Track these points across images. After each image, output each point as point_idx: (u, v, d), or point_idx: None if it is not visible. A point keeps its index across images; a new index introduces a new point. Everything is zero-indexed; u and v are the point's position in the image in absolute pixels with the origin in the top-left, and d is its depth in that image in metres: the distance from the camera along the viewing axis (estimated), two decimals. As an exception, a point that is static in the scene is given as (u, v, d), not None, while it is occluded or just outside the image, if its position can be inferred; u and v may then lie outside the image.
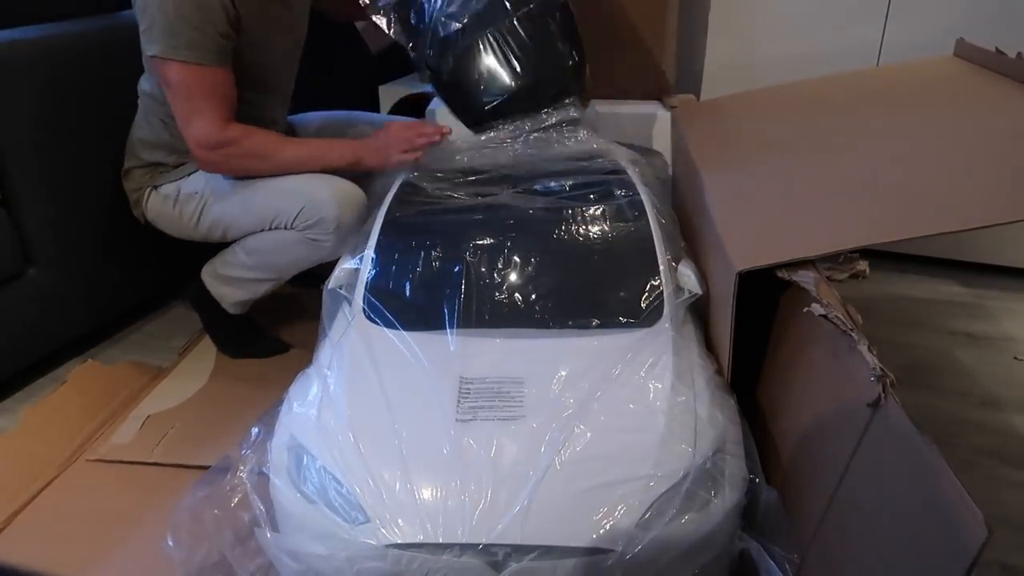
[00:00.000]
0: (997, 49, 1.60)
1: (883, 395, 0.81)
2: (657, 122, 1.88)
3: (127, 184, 1.68)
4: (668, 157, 1.87)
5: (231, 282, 1.69)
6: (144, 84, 1.61)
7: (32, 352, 1.68)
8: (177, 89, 1.45)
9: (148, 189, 1.65)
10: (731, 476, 1.04)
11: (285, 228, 1.56)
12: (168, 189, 1.63)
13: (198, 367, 1.74)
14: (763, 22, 2.11)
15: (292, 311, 1.93)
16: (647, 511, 0.96)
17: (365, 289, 1.29)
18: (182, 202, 1.62)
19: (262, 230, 1.59)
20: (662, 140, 1.87)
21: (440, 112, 1.92)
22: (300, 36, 1.71)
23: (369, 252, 1.35)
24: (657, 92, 1.98)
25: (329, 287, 1.33)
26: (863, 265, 2.13)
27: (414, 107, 2.21)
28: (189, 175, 1.62)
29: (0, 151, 1.56)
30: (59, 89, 1.63)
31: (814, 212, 1.20)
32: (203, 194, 1.61)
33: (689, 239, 1.48)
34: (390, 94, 2.33)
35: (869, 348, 0.84)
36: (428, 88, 2.32)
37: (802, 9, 2.07)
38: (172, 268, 1.88)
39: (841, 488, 0.93)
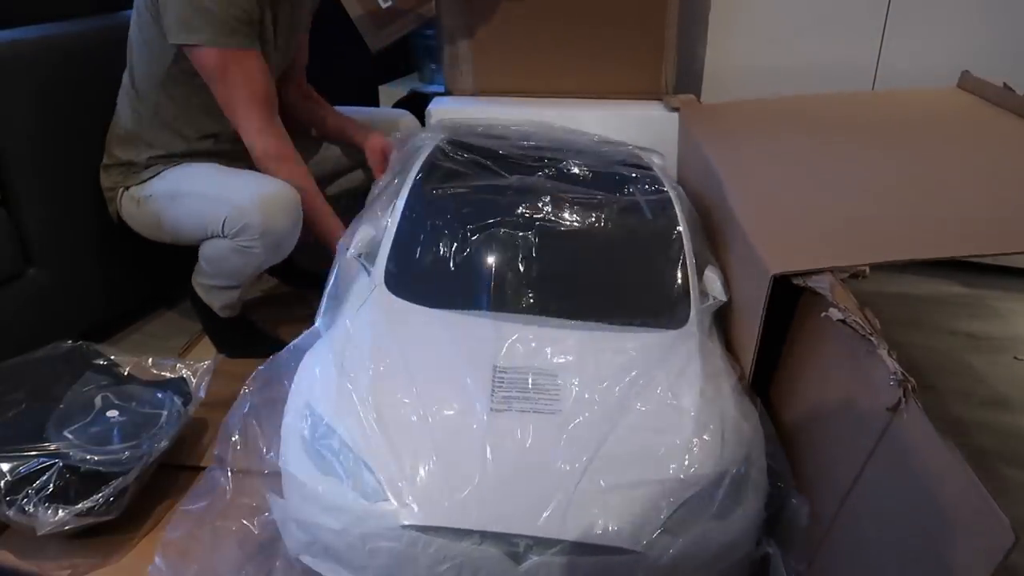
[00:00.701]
0: (1005, 85, 1.63)
1: (904, 399, 0.81)
2: (658, 123, 1.88)
3: (104, 181, 1.68)
4: (668, 158, 1.86)
5: (206, 289, 1.69)
6: (134, 69, 1.61)
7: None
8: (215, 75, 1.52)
9: (121, 190, 1.65)
10: (755, 483, 1.03)
11: (220, 236, 1.55)
12: (135, 191, 1.63)
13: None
14: (763, 23, 2.11)
15: (292, 311, 1.91)
16: (672, 514, 0.95)
17: (388, 259, 1.25)
18: (144, 203, 1.62)
19: (205, 237, 1.58)
20: (663, 141, 1.86)
21: (438, 111, 1.92)
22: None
23: (395, 219, 1.30)
24: (657, 93, 1.98)
25: (348, 255, 1.29)
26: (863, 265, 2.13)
27: (414, 107, 2.21)
28: (153, 177, 1.62)
29: (0, 151, 1.54)
30: (59, 89, 1.61)
31: (843, 224, 1.20)
32: (157, 196, 1.61)
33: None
34: (390, 94, 2.32)
35: (889, 352, 0.84)
36: (427, 88, 2.32)
37: (802, 10, 2.07)
38: (172, 269, 1.87)
39: (854, 492, 0.93)
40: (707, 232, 1.46)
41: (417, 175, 1.40)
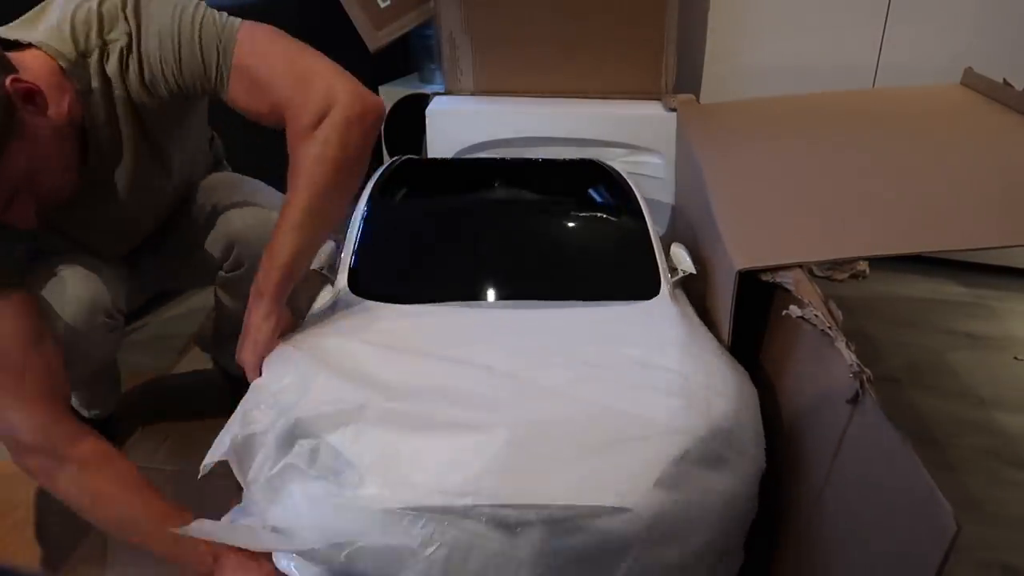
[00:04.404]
0: (1005, 81, 1.62)
1: (861, 391, 0.81)
2: (656, 123, 1.87)
3: None
4: (668, 158, 1.86)
5: None
6: None
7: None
8: None
9: None
10: (751, 434, 1.01)
11: None
12: None
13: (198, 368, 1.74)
14: (763, 22, 2.10)
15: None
16: (664, 470, 0.91)
17: (351, 262, 1.25)
18: None
19: None
20: (661, 141, 1.86)
21: (439, 112, 1.93)
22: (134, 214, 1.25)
23: (355, 225, 1.32)
24: (657, 92, 1.97)
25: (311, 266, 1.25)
26: (863, 265, 2.12)
27: (414, 107, 2.22)
28: None
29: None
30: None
31: (819, 220, 1.20)
32: None
33: (691, 241, 1.48)
34: (390, 94, 2.33)
35: (847, 345, 0.84)
36: (427, 87, 2.33)
37: (802, 9, 2.06)
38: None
39: (828, 487, 0.92)
40: (693, 232, 1.47)
41: (373, 185, 1.42)
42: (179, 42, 1.05)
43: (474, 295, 1.21)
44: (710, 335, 1.16)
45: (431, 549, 0.89)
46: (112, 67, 1.06)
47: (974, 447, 1.49)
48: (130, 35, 1.05)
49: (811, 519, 0.96)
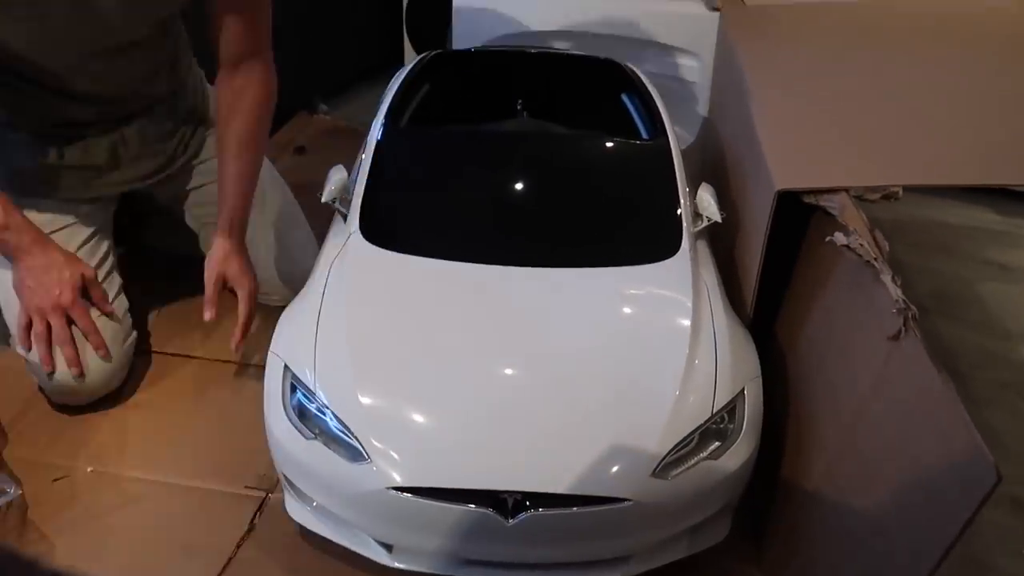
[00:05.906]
0: None
1: (904, 329, 0.77)
2: (698, 22, 1.78)
3: None
4: (705, 62, 1.78)
5: None
6: None
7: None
8: None
9: None
10: (750, 417, 1.01)
11: None
12: None
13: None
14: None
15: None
16: (663, 459, 0.93)
17: (362, 204, 1.19)
18: None
19: None
20: (701, 42, 1.78)
21: (466, 5, 1.85)
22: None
23: (367, 158, 1.25)
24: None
25: (323, 200, 1.22)
26: (896, 187, 2.06)
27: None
28: None
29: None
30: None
31: (870, 142, 1.15)
32: None
33: (725, 153, 1.42)
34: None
35: (893, 279, 0.80)
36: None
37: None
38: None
39: (860, 422, 0.90)
40: (728, 144, 1.40)
41: (388, 109, 1.34)
42: None
43: (485, 254, 1.14)
44: (723, 302, 1.12)
45: (431, 526, 0.93)
46: None
47: (996, 381, 1.47)
48: None
49: (842, 455, 0.93)
